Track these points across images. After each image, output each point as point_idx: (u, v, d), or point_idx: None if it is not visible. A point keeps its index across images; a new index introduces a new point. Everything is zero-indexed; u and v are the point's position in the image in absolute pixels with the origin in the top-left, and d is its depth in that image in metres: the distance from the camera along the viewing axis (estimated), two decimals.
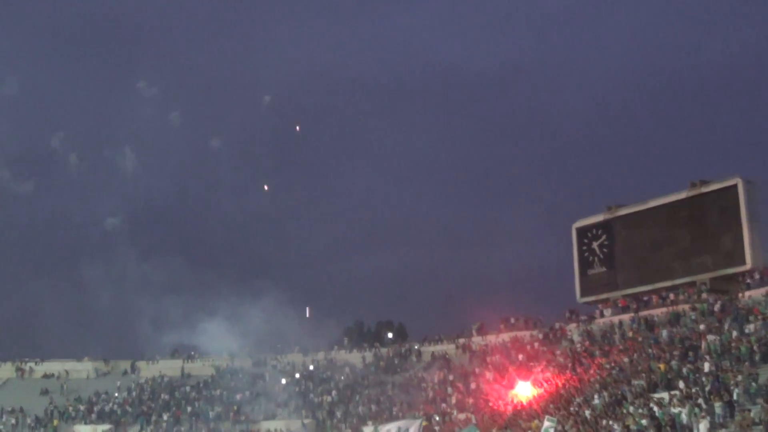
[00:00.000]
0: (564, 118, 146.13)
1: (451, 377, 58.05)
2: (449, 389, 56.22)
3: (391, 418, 55.78)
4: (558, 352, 51.50)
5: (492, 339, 60.12)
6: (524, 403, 46.50)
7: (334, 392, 64.05)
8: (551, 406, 42.42)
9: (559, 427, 35.36)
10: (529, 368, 51.51)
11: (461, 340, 62.76)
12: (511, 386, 49.38)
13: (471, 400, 52.47)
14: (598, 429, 35.06)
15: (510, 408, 47.02)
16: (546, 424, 32.75)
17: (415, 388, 59.68)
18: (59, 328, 78.98)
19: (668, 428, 31.77)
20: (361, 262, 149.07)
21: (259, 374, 67.87)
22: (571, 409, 40.42)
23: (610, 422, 34.93)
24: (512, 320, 61.53)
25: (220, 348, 69.19)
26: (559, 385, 46.03)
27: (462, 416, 50.37)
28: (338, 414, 60.78)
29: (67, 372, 73.20)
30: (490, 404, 49.23)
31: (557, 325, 56.76)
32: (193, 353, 73.46)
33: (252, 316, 65.72)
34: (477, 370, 56.33)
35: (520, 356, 54.28)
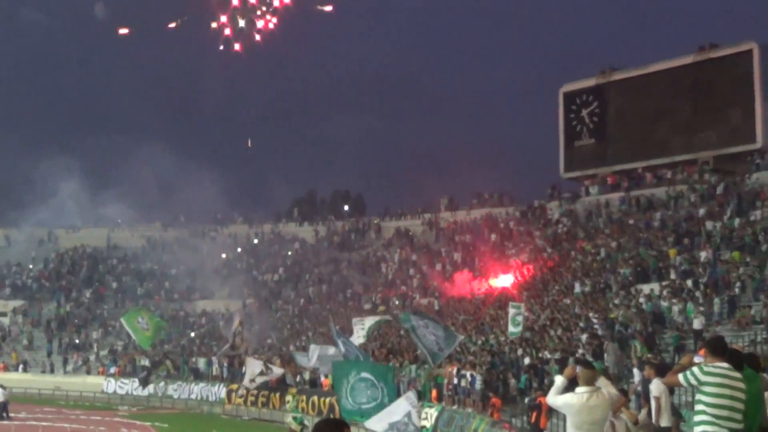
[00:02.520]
0: None
1: (414, 257, 58.18)
2: (411, 270, 56.47)
3: (345, 301, 56.36)
4: (536, 233, 51.72)
5: (462, 216, 60.03)
6: (495, 288, 46.80)
7: (281, 270, 64.33)
8: (525, 293, 42.83)
9: (527, 314, 35.52)
10: (502, 250, 51.83)
11: (427, 216, 62.70)
12: (485, 271, 49.55)
13: (436, 284, 52.72)
14: (576, 321, 35.43)
15: (482, 293, 47.33)
16: (511, 311, 32.75)
17: (372, 268, 60.09)
18: None
19: (656, 324, 32.18)
20: (317, 125, 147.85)
21: (196, 247, 67.95)
22: (548, 297, 40.91)
23: (591, 314, 35.34)
24: (486, 195, 61.40)
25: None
26: (536, 269, 46.36)
27: (425, 301, 50.68)
28: (285, 294, 61.26)
29: None
30: (456, 292, 49.55)
31: (537, 203, 56.68)
32: (120, 221, 72.95)
33: (186, 181, 65.09)
34: (444, 251, 56.49)
35: (493, 236, 54.40)
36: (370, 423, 20.85)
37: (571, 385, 9.82)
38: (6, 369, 55.65)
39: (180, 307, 62.31)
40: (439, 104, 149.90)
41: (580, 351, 30.45)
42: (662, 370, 14.52)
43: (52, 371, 55.86)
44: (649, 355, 26.83)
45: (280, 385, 41.01)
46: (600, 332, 32.40)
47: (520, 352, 33.61)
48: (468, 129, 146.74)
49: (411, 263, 57.58)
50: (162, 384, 47.70)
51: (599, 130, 54.42)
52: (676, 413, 13.78)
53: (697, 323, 30.09)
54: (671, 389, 14.71)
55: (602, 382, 9.87)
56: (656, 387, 14.19)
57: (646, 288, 36.20)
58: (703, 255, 37.02)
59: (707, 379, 8.01)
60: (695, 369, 8.20)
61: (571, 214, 52.13)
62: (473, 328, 40.45)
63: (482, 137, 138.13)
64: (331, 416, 33.03)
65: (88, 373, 54.72)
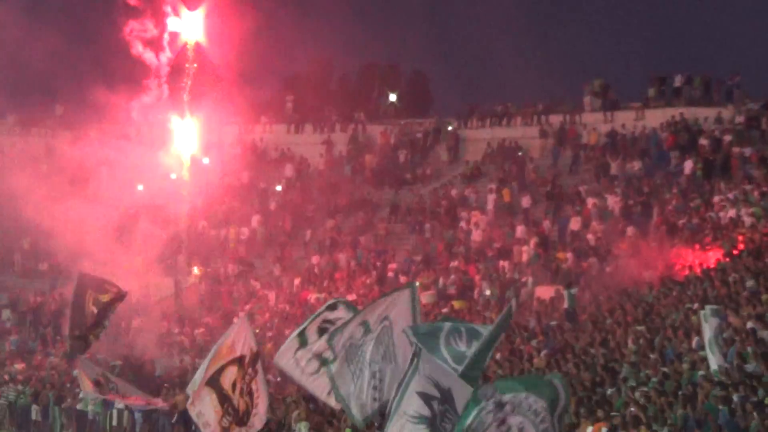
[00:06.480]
0: None
1: (525, 200, 58.51)
2: (520, 228, 57.33)
3: (381, 285, 55.65)
4: None
5: (626, 121, 61.15)
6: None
7: (255, 220, 64.90)
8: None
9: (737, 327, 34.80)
10: (705, 192, 52.72)
11: (555, 119, 63.55)
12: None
13: (568, 256, 52.22)
14: None
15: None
16: (707, 322, 32.39)
17: (440, 221, 59.80)
18: None
19: None
20: None
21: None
22: None
23: None
24: (675, 82, 61.51)
25: None
26: None
27: (550, 290, 49.27)
28: (265, 267, 61.29)
29: None
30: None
31: None
32: None
33: None
34: (586, 190, 57.53)
35: (688, 163, 56.47)
36: None
37: None
38: None
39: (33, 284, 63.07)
40: None
41: None
42: None
43: None
44: None
45: None
46: None
47: (735, 398, 30.49)
48: None
49: (519, 211, 59.41)
50: None
51: None
52: None
53: None
54: None
55: None
56: None
57: None
58: None
59: None
60: None
61: None
62: (640, 348, 37.67)
63: None
64: None
65: None
